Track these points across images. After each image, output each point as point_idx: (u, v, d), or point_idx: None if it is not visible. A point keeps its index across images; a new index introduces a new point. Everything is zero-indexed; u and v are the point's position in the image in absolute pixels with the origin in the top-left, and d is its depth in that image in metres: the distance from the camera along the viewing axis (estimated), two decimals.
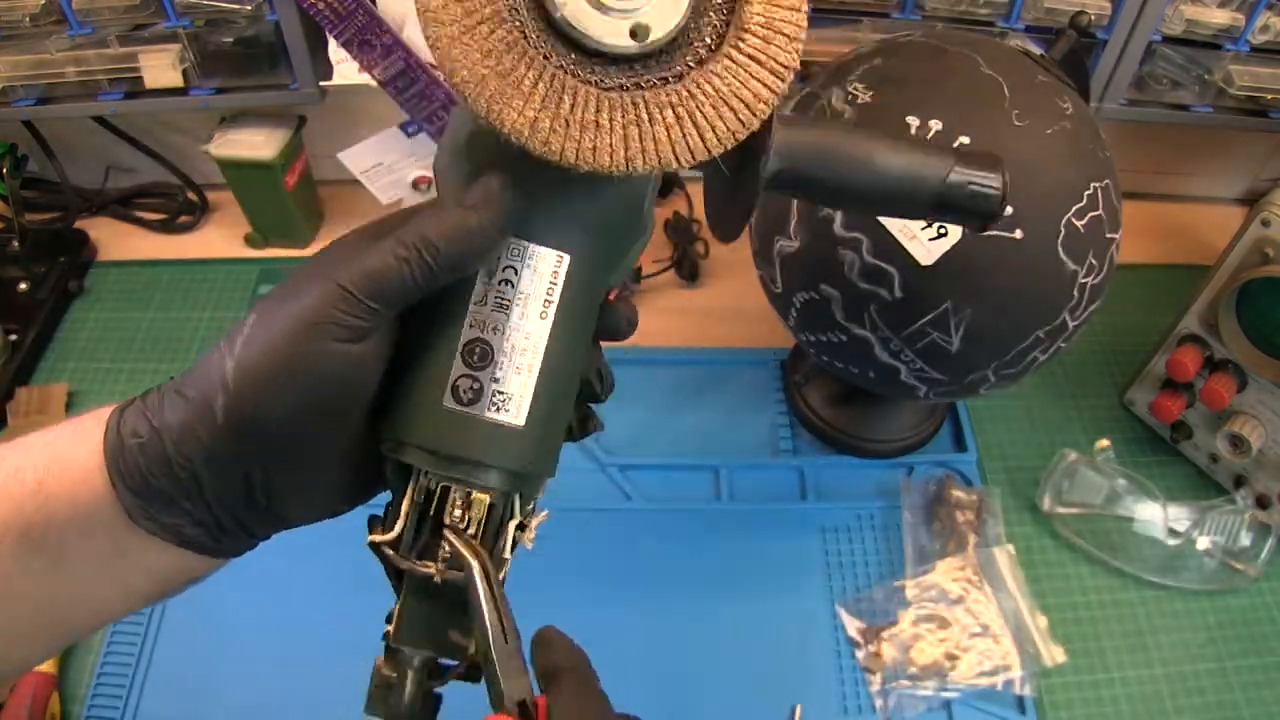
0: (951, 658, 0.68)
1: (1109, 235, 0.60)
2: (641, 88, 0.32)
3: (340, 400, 0.35)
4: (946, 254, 0.57)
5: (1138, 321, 0.90)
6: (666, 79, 0.32)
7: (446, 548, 0.35)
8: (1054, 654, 0.69)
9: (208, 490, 0.35)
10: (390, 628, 0.37)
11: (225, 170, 0.91)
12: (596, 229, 0.36)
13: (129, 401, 0.36)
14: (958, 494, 0.77)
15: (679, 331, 0.91)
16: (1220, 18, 0.79)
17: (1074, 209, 0.58)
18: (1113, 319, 0.87)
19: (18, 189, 0.93)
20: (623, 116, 0.31)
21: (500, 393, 0.35)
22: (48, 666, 0.65)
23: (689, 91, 0.32)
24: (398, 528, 0.35)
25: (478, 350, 0.35)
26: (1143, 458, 0.82)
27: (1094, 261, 0.59)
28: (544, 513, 0.39)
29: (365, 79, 0.78)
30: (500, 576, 0.36)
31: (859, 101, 0.59)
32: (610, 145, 0.31)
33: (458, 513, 0.35)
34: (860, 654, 0.69)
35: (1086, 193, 0.58)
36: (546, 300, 0.35)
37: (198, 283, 0.94)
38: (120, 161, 0.99)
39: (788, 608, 0.72)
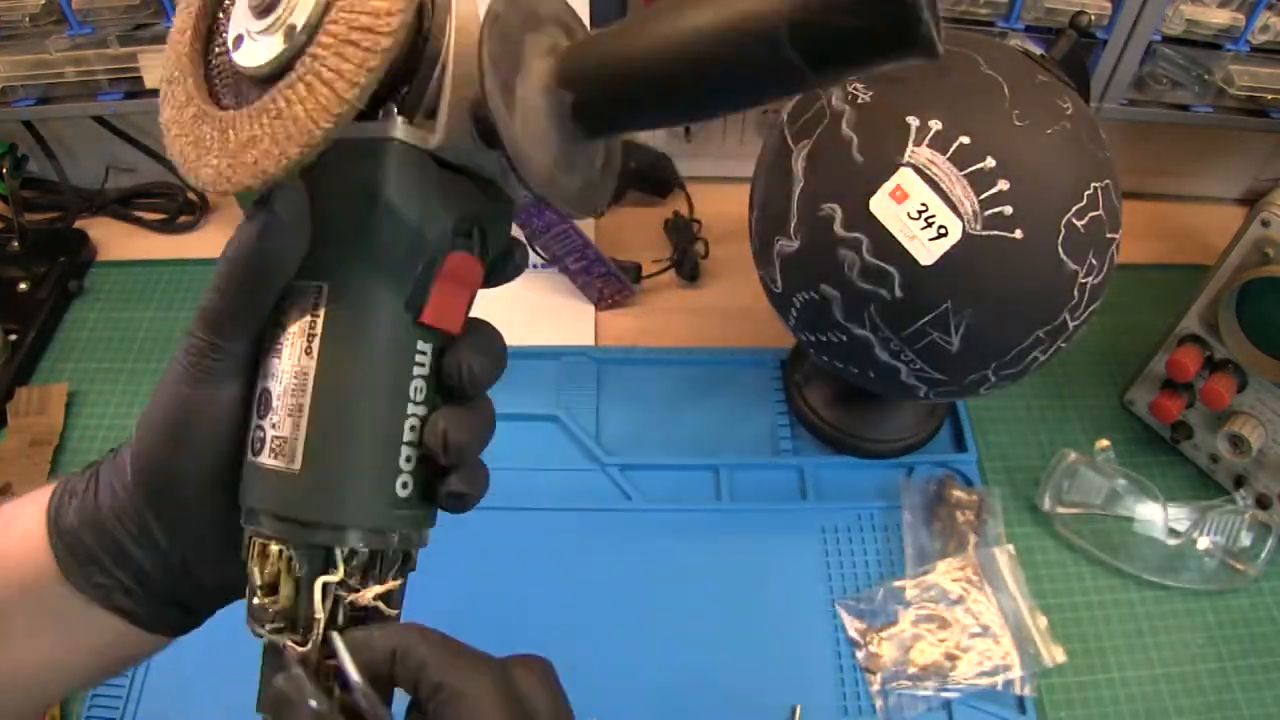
0: (951, 658, 0.68)
1: (1109, 235, 0.60)
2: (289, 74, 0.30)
3: (206, 444, 0.34)
4: (947, 254, 0.57)
5: (1138, 321, 0.90)
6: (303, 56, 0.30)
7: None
8: (1054, 654, 0.69)
9: (126, 547, 0.35)
10: None
11: None
12: (357, 253, 0.33)
13: (88, 465, 0.37)
14: (958, 494, 0.77)
15: (679, 331, 0.91)
16: (1220, 18, 0.79)
17: (1074, 209, 0.58)
18: (1113, 319, 0.87)
19: (18, 189, 0.93)
20: (269, 115, 0.30)
21: (276, 438, 0.33)
22: None
23: (311, 54, 0.29)
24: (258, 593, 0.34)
25: (262, 399, 0.34)
26: (1143, 458, 0.82)
27: (1094, 261, 0.59)
28: (397, 581, 0.35)
29: None
30: (310, 637, 0.33)
31: (859, 101, 0.59)
32: (269, 149, 0.29)
33: (256, 566, 0.34)
34: (860, 654, 0.69)
35: (1087, 193, 0.58)
36: (310, 334, 0.33)
37: (198, 283, 0.94)
38: (120, 161, 0.99)
39: (788, 608, 0.72)
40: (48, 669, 0.37)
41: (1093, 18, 0.78)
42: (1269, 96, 0.84)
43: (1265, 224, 0.68)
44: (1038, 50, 0.67)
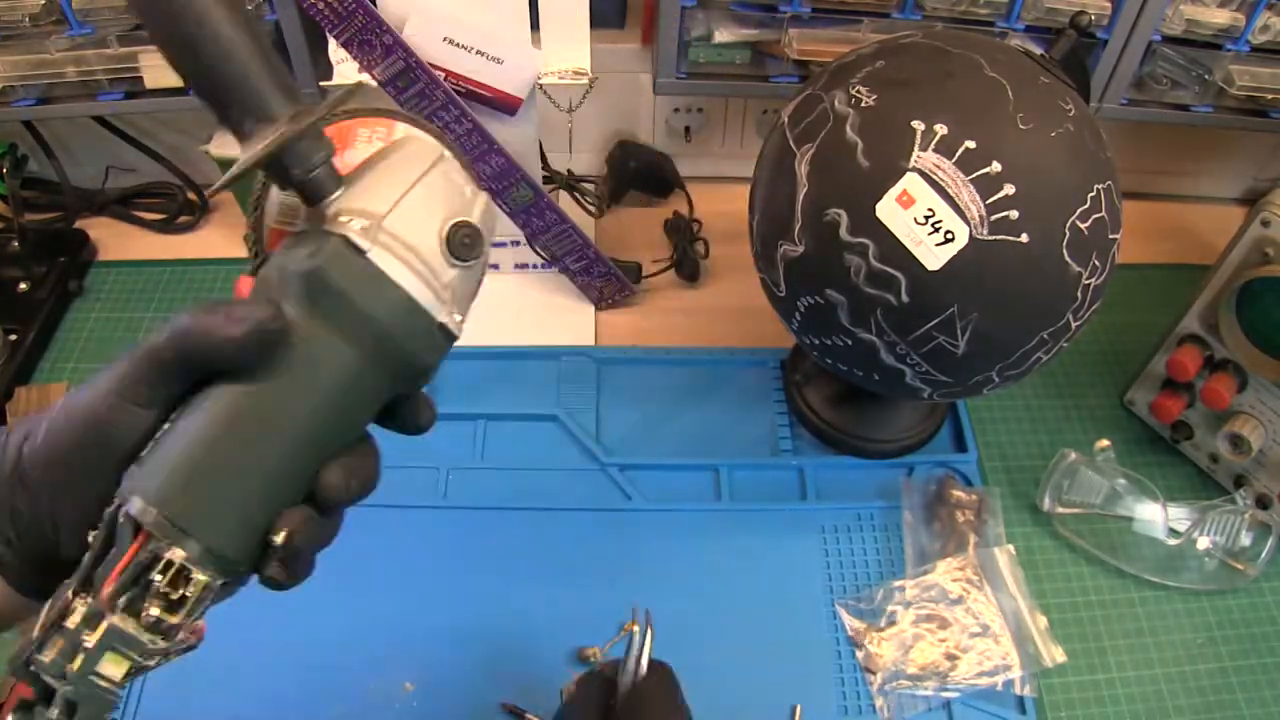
0: (951, 658, 0.69)
1: (1111, 236, 0.60)
2: None
3: (114, 449, 0.36)
4: (954, 259, 0.56)
5: (1138, 321, 0.90)
6: None
7: None
8: (1054, 654, 0.69)
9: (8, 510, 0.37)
10: None
11: (225, 170, 0.91)
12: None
13: None
14: (958, 494, 0.77)
15: (679, 331, 0.91)
16: (1220, 18, 0.80)
17: (1078, 211, 0.58)
18: (1113, 319, 0.88)
19: (18, 189, 0.93)
20: None
21: None
22: None
23: None
24: None
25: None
26: (1143, 458, 0.83)
27: (1097, 263, 0.60)
28: (200, 624, 0.39)
29: (365, 79, 0.78)
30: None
31: (862, 105, 0.59)
32: None
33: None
34: (860, 654, 0.70)
35: (1090, 195, 0.58)
36: None
37: (198, 283, 0.94)
38: (120, 161, 0.99)
39: (788, 608, 0.72)
40: None
41: (1093, 18, 0.78)
42: (1269, 96, 0.84)
43: (1265, 224, 0.68)
44: (1038, 50, 0.67)
